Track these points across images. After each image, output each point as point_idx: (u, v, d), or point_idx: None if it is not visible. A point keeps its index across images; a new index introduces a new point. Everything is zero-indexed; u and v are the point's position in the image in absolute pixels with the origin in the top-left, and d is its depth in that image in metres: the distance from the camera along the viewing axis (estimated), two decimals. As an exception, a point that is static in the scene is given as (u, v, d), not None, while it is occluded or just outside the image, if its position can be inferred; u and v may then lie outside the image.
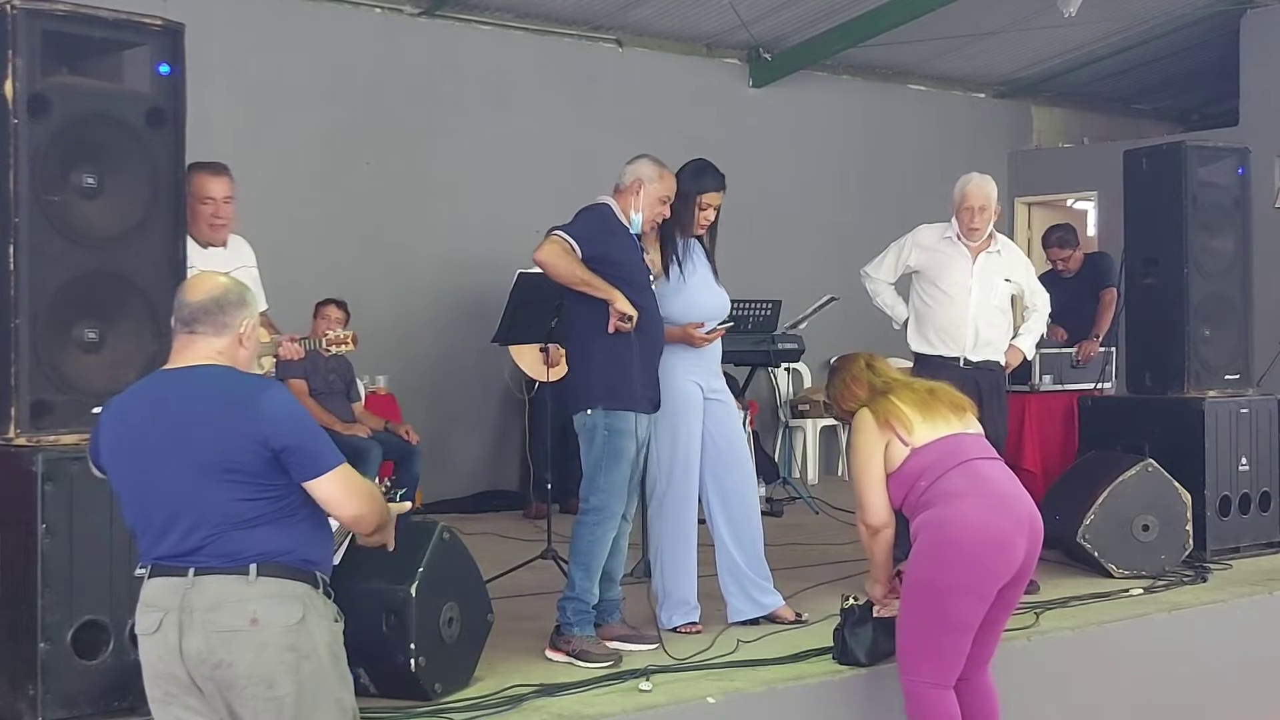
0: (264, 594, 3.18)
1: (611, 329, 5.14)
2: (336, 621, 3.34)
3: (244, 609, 3.16)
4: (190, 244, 4.90)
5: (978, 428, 4.63)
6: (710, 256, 5.73)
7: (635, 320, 5.15)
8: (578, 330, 5.33)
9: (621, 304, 5.14)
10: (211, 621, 3.16)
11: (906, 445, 4.45)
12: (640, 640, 5.26)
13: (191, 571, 3.18)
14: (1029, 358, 6.87)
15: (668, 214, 5.42)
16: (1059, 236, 8.65)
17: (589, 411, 5.20)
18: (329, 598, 3.32)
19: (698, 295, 5.62)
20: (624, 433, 5.21)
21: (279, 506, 3.22)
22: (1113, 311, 8.14)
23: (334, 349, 6.08)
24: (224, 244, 5.44)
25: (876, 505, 4.57)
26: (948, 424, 4.49)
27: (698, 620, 5.57)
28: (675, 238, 5.61)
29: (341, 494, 3.27)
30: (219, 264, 5.05)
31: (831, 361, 4.90)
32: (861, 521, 4.68)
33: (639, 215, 5.33)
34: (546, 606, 5.53)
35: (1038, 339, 6.84)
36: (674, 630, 5.51)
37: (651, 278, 5.46)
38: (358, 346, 6.12)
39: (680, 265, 5.61)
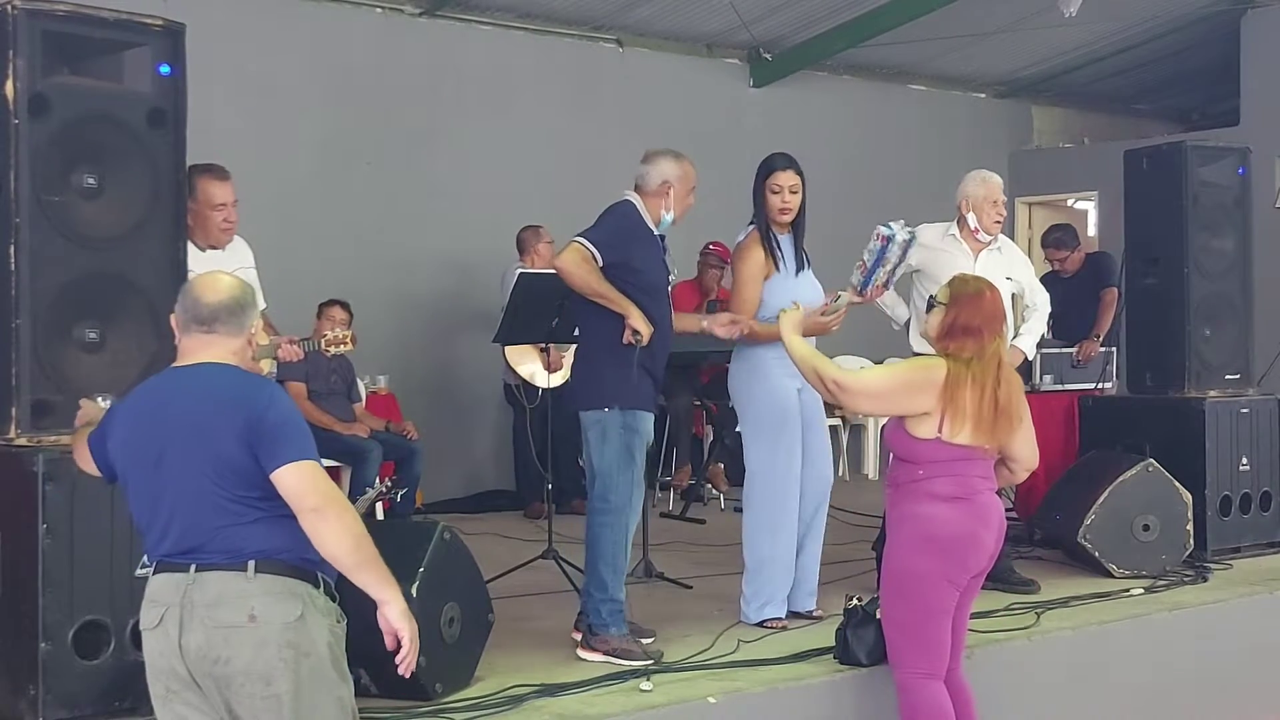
0: (263, 590, 3.18)
1: (625, 341, 5.14)
2: (339, 622, 3.32)
3: (243, 605, 3.16)
4: (192, 249, 4.98)
5: (1001, 448, 4.57)
6: (799, 248, 5.78)
7: (648, 338, 5.15)
8: (592, 328, 5.28)
9: (635, 320, 5.12)
10: (211, 617, 3.16)
11: (939, 434, 4.44)
12: (634, 656, 5.13)
13: (193, 568, 3.19)
14: (1030, 358, 6.87)
15: (692, 203, 5.43)
16: (1056, 237, 8.67)
17: (606, 410, 5.17)
18: (333, 599, 3.32)
19: (799, 291, 5.65)
20: (640, 432, 5.22)
21: (278, 504, 3.21)
22: (1113, 311, 8.14)
23: (333, 349, 6.09)
24: (224, 246, 5.47)
25: (866, 410, 4.53)
26: (983, 437, 4.46)
27: (783, 617, 5.62)
28: (769, 232, 5.70)
29: (304, 484, 3.18)
30: (219, 266, 5.00)
31: (976, 287, 4.60)
32: (839, 387, 4.55)
33: (670, 214, 5.33)
34: (547, 606, 5.54)
35: (1038, 339, 6.84)
36: (761, 624, 5.56)
37: (671, 276, 5.48)
38: (356, 346, 6.12)
39: (782, 260, 5.69)
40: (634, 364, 5.15)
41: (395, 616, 3.24)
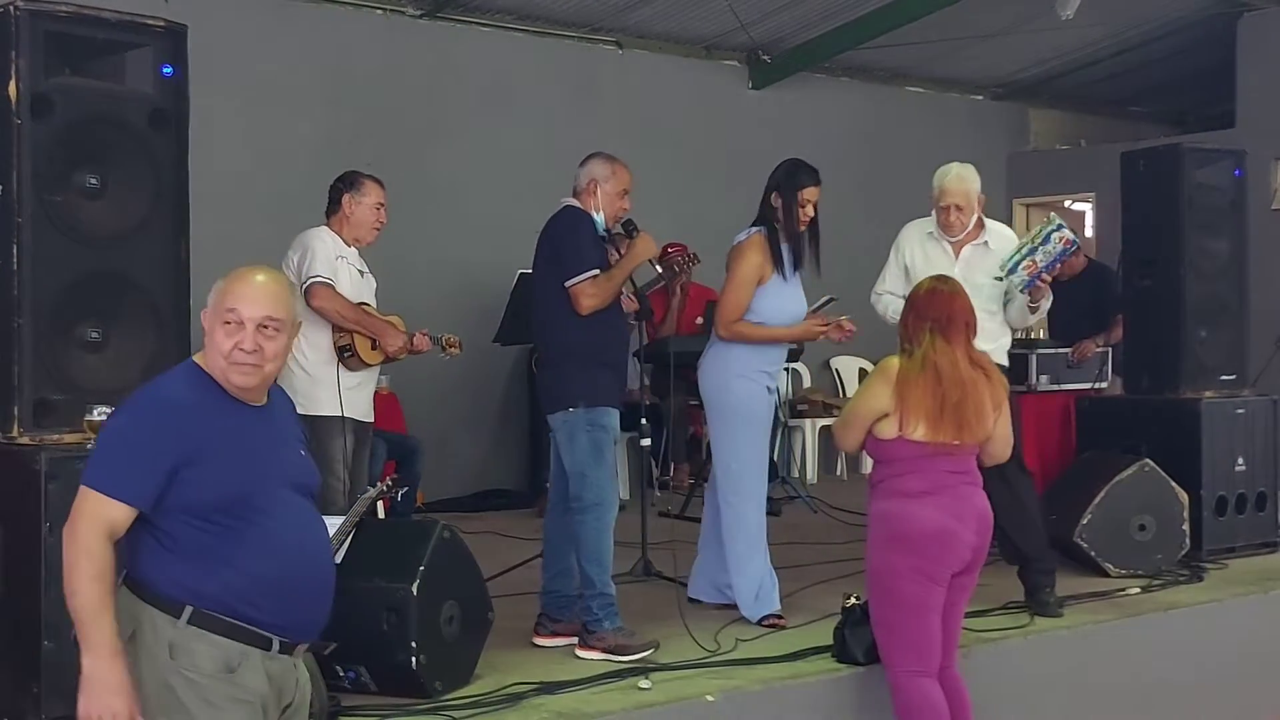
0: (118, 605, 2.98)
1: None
2: (226, 672, 2.99)
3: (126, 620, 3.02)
4: (339, 240, 5.88)
5: (977, 441, 4.61)
6: (803, 256, 5.85)
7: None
8: (553, 333, 5.35)
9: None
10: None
11: (899, 432, 4.50)
12: (631, 650, 5.18)
13: None
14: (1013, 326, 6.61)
15: (628, 207, 5.49)
16: None
17: (570, 410, 5.24)
18: (264, 641, 3.05)
19: (793, 298, 5.83)
20: (607, 428, 5.27)
21: (140, 524, 3.03)
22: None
23: (452, 350, 6.30)
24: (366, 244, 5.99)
25: (852, 442, 4.75)
26: (943, 433, 4.50)
27: (781, 614, 5.68)
28: (780, 240, 5.77)
29: (74, 509, 2.99)
30: (361, 261, 5.97)
31: (926, 285, 4.74)
32: (839, 437, 4.87)
33: (600, 215, 5.40)
34: (546, 605, 5.55)
35: (1017, 315, 6.59)
36: (760, 623, 5.62)
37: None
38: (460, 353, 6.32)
39: (785, 268, 5.78)
40: (603, 355, 5.28)
41: (81, 682, 2.89)
